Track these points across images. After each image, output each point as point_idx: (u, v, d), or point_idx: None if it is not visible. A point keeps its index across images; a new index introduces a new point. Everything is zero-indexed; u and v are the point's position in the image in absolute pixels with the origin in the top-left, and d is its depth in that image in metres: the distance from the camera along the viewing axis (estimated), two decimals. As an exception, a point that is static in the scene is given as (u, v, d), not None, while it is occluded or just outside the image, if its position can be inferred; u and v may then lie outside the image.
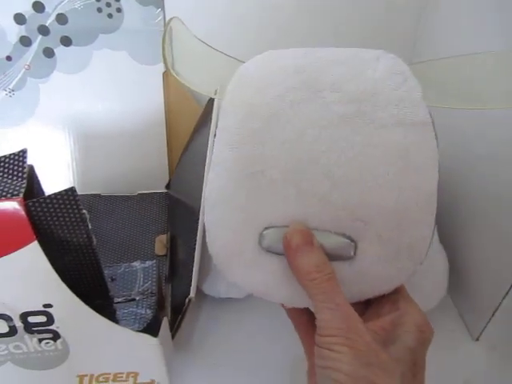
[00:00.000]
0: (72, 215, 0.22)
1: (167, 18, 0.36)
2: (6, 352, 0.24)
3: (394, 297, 0.21)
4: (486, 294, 0.30)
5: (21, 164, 0.22)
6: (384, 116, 0.20)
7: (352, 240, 0.20)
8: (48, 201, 0.21)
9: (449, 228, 0.33)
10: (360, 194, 0.20)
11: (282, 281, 0.21)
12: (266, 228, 0.21)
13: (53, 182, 0.40)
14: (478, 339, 0.30)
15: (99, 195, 0.41)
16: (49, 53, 0.36)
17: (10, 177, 0.22)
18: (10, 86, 0.37)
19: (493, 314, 0.29)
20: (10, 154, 0.22)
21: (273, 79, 0.22)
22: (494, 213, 0.29)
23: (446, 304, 0.33)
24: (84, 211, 0.23)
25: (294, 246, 0.20)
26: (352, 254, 0.20)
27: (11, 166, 0.22)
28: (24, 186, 0.21)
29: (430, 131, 0.21)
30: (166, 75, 0.38)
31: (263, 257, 0.21)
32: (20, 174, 0.22)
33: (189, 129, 0.38)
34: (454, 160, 0.33)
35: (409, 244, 0.20)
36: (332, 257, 0.20)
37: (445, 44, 0.36)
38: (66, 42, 0.36)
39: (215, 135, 0.22)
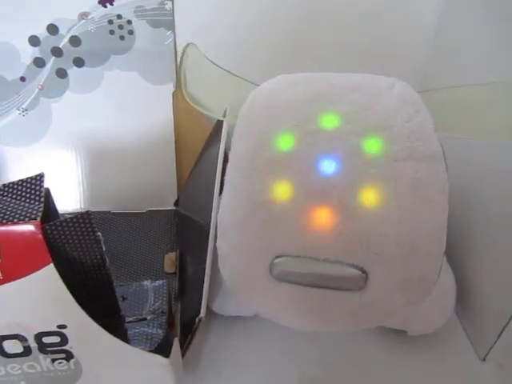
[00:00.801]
0: (87, 237, 0.23)
1: (178, 40, 0.37)
2: (19, 372, 0.24)
3: None
4: (492, 313, 0.30)
5: (38, 188, 0.23)
6: (397, 149, 0.21)
7: (363, 271, 0.21)
8: (64, 224, 0.22)
9: (456, 246, 0.33)
10: (372, 226, 0.20)
11: (292, 308, 0.22)
12: (278, 257, 0.21)
13: (64, 198, 0.41)
14: (484, 359, 0.31)
15: (109, 212, 0.41)
16: (62, 73, 0.37)
17: (27, 200, 0.22)
18: (24, 106, 0.38)
19: (500, 334, 0.29)
20: (28, 178, 0.23)
21: (286, 108, 0.22)
22: (503, 232, 0.30)
23: (453, 323, 0.33)
24: (98, 233, 0.23)
25: None
26: (362, 285, 0.21)
27: (29, 190, 0.23)
28: (41, 209, 0.22)
29: (441, 164, 0.21)
30: (176, 95, 0.39)
31: (274, 285, 0.22)
32: (37, 198, 0.22)
33: (198, 147, 0.39)
34: (462, 177, 0.33)
35: (418, 276, 0.21)
36: (343, 287, 0.21)
37: (455, 72, 0.36)
38: (79, 63, 0.37)
39: (227, 161, 0.23)
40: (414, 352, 0.31)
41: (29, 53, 0.36)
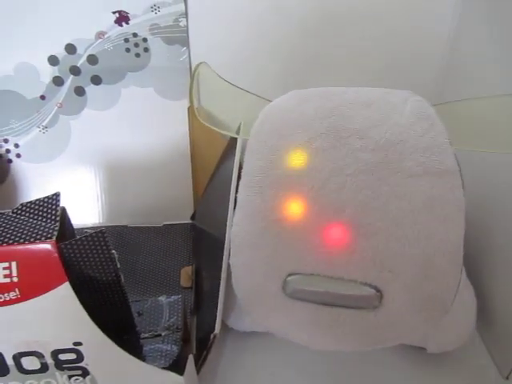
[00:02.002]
0: (102, 256, 0.23)
1: (192, 56, 0.37)
2: (37, 388, 0.25)
3: None
4: (515, 330, 0.30)
5: (54, 207, 0.23)
6: (411, 165, 0.20)
7: (378, 290, 0.20)
8: (79, 242, 0.22)
9: (476, 262, 0.32)
10: (386, 244, 0.20)
11: (305, 327, 0.21)
12: (290, 274, 0.21)
13: (83, 213, 0.42)
14: (507, 378, 0.30)
15: (126, 226, 0.42)
16: (80, 91, 0.38)
17: (44, 220, 0.23)
18: (44, 123, 0.38)
19: (523, 352, 0.28)
20: (44, 198, 0.24)
21: (298, 125, 0.22)
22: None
23: (474, 340, 0.32)
24: (113, 251, 0.23)
25: None
26: (377, 304, 0.20)
27: (45, 209, 0.23)
28: (57, 228, 0.22)
29: (457, 180, 0.20)
30: (191, 110, 0.39)
31: (286, 302, 0.22)
32: (53, 217, 0.23)
33: (213, 161, 0.39)
34: (480, 191, 0.33)
35: (434, 295, 0.20)
36: (357, 306, 0.20)
37: (471, 85, 0.35)
38: (96, 80, 0.37)
39: (240, 177, 0.23)
40: (434, 370, 0.30)
41: (48, 72, 0.37)
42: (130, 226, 0.42)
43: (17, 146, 0.39)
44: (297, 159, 0.22)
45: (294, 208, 0.21)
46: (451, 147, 0.21)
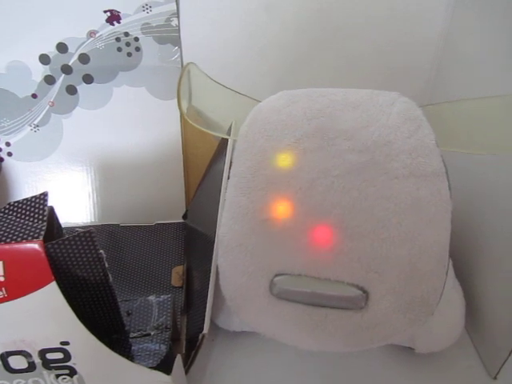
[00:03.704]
0: (89, 255, 0.23)
1: (184, 55, 0.37)
2: (25, 387, 0.25)
3: None
4: (504, 330, 0.30)
5: (41, 207, 0.23)
6: (397, 166, 0.20)
7: (364, 291, 0.20)
8: (67, 242, 0.22)
9: (465, 263, 0.33)
10: (373, 245, 0.20)
11: (292, 327, 0.22)
12: (277, 275, 0.21)
13: (75, 211, 0.42)
14: (496, 377, 0.30)
15: (118, 225, 0.42)
16: (71, 90, 0.38)
17: (31, 219, 0.23)
18: (35, 122, 0.38)
19: (510, 353, 0.28)
20: (32, 197, 0.23)
21: (285, 126, 0.22)
22: None
23: (463, 340, 0.32)
24: (101, 251, 0.23)
25: None
26: (363, 305, 0.21)
27: (32, 209, 0.23)
28: (44, 228, 0.22)
29: (444, 182, 0.21)
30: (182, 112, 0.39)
31: (274, 303, 0.22)
32: (41, 217, 0.23)
33: (205, 160, 0.39)
34: (470, 191, 0.33)
35: (420, 296, 0.20)
36: (343, 307, 0.21)
37: (461, 83, 0.36)
38: (88, 79, 0.37)
39: (229, 178, 0.23)
40: (422, 370, 0.30)
41: (40, 71, 0.37)
42: (122, 225, 0.42)
43: (8, 144, 0.39)
44: (284, 160, 0.22)
45: (282, 209, 0.21)
46: (438, 149, 0.21)
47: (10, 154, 0.39)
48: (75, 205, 0.42)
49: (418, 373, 0.30)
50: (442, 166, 0.21)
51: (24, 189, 0.41)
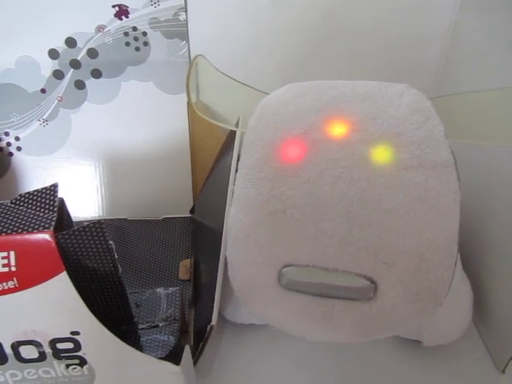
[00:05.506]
0: (99, 246, 0.23)
1: (191, 50, 0.38)
2: (35, 376, 0.25)
3: None
4: (511, 324, 0.30)
5: (52, 198, 0.23)
6: (406, 157, 0.20)
7: (372, 281, 0.21)
8: (77, 233, 0.22)
9: (473, 255, 0.33)
10: (381, 235, 0.20)
11: (301, 318, 0.22)
12: (286, 266, 0.21)
13: (83, 205, 0.42)
14: (504, 371, 0.30)
15: (126, 219, 0.42)
16: (80, 85, 0.38)
17: (42, 210, 0.23)
18: (44, 117, 0.39)
19: (518, 346, 0.28)
20: (42, 188, 0.24)
21: (294, 117, 0.22)
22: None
23: (471, 333, 0.32)
24: (110, 242, 0.24)
25: None
26: (371, 295, 0.21)
27: (43, 200, 0.23)
28: (55, 218, 0.22)
29: (452, 172, 0.21)
30: (191, 104, 0.39)
31: (282, 294, 0.22)
32: (51, 208, 0.23)
33: (212, 155, 0.39)
34: (479, 184, 0.33)
35: (428, 286, 0.20)
36: (352, 298, 0.21)
37: (469, 78, 0.36)
38: (96, 74, 0.38)
39: (237, 170, 0.23)
40: (430, 363, 0.30)
41: (48, 65, 0.37)
42: (130, 219, 0.42)
43: (17, 139, 0.39)
44: (293, 152, 0.22)
45: (290, 200, 0.22)
46: (447, 140, 0.21)
47: (19, 149, 0.40)
48: (83, 199, 0.42)
49: (425, 366, 0.30)
50: (451, 157, 0.21)
51: (33, 183, 0.41)
